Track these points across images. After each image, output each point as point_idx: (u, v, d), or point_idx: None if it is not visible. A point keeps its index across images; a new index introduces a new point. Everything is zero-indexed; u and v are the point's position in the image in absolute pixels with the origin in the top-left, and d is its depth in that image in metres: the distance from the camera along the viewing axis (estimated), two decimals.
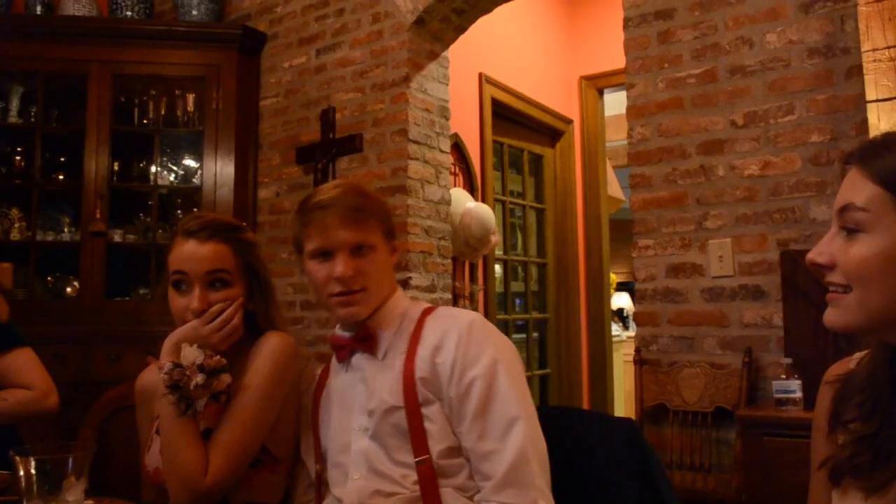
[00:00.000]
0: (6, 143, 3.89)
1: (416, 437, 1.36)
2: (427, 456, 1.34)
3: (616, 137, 5.86)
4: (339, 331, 1.55)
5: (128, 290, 3.91)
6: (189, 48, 3.93)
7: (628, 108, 3.04)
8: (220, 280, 1.53)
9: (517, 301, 5.24)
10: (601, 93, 5.68)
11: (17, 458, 1.13)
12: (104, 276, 3.73)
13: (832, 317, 0.95)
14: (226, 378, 1.42)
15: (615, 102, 5.41)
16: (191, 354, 1.40)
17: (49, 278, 3.92)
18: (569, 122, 5.57)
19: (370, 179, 3.62)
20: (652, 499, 1.37)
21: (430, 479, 1.33)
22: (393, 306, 1.52)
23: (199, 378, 1.38)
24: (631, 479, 1.39)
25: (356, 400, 1.46)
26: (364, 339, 1.48)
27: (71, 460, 1.14)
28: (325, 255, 1.45)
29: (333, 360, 1.57)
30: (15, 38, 3.77)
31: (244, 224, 1.66)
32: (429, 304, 1.56)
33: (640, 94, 3.00)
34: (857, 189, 0.92)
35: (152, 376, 1.62)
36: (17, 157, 3.90)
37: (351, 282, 1.42)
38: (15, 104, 3.86)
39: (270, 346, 1.53)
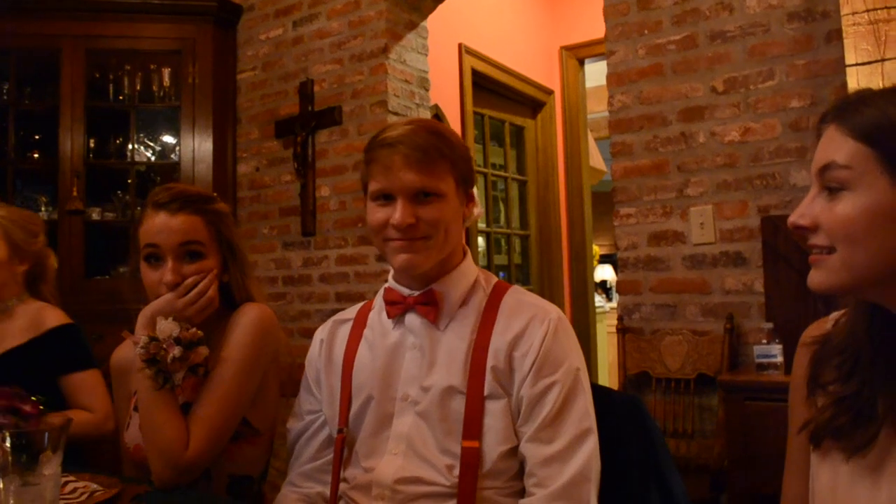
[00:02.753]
0: None
1: (472, 428, 1.25)
2: (477, 446, 1.24)
3: (597, 109, 5.84)
4: (394, 283, 1.40)
5: (107, 269, 3.86)
6: (164, 21, 3.85)
7: (608, 76, 3.01)
8: (193, 252, 1.50)
9: (501, 274, 5.23)
10: (582, 63, 5.64)
11: None
12: (83, 255, 3.68)
13: (817, 279, 0.93)
14: (203, 350, 1.40)
15: (596, 73, 5.39)
16: (167, 327, 1.38)
17: None
18: (550, 92, 5.53)
19: (350, 152, 3.58)
20: (655, 476, 1.32)
21: (472, 469, 1.23)
22: (462, 273, 1.38)
23: (176, 351, 1.36)
24: (633, 455, 1.34)
25: (407, 367, 1.34)
26: (427, 302, 1.34)
27: (47, 434, 1.13)
28: (385, 198, 1.30)
29: (376, 313, 1.44)
30: None
31: (215, 194, 1.63)
32: (500, 279, 1.42)
33: (621, 62, 2.98)
34: (837, 147, 0.90)
35: (127, 352, 1.61)
36: None
37: (411, 230, 1.28)
38: None
39: (249, 318, 1.51)
